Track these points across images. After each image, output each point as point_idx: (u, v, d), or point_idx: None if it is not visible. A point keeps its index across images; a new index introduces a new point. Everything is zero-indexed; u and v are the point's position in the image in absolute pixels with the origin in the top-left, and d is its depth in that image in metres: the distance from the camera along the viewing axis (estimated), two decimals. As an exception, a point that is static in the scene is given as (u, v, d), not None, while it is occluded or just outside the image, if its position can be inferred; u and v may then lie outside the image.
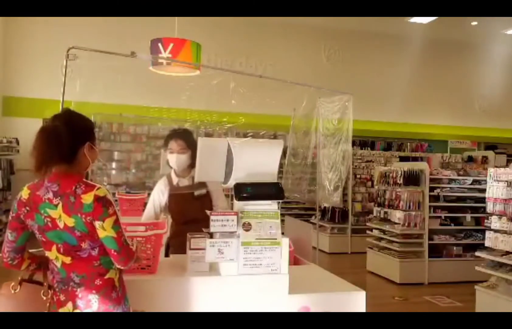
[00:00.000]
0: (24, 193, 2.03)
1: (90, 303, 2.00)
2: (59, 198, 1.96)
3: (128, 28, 9.76)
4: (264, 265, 2.40)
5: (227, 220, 2.36)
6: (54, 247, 2.00)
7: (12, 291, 2.04)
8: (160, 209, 3.47)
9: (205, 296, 2.39)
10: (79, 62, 4.70)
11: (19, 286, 2.06)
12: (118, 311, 2.04)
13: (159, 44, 6.70)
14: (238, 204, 2.41)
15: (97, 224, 1.96)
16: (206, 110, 7.26)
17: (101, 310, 2.00)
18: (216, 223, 2.35)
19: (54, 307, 2.03)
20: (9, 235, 2.05)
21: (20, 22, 10.56)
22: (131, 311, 2.13)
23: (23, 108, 10.80)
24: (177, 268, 2.59)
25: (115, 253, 2.01)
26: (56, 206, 1.96)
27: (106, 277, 2.04)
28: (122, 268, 2.07)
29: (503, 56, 13.89)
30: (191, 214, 3.20)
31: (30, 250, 2.15)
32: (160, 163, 7.28)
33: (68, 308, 2.00)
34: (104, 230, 1.97)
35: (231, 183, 2.51)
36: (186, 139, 3.44)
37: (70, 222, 1.95)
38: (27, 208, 2.00)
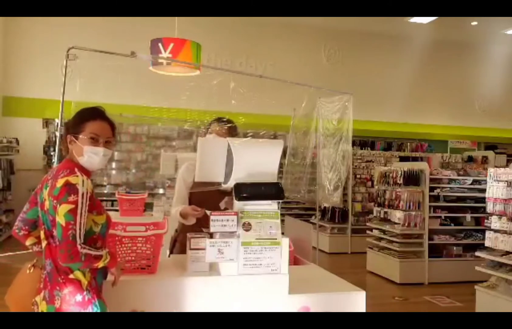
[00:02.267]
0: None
1: (54, 299, 2.00)
2: (50, 180, 2.08)
3: (128, 28, 9.77)
4: (264, 265, 2.39)
5: (227, 220, 2.36)
6: (43, 228, 2.09)
7: (28, 271, 2.16)
8: (189, 188, 3.34)
9: (205, 296, 2.38)
10: (79, 62, 4.71)
11: (33, 268, 2.17)
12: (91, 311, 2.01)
13: (159, 44, 6.70)
14: (238, 204, 2.41)
15: (57, 208, 1.96)
16: (206, 110, 7.26)
17: (62, 309, 1.98)
18: (216, 223, 2.35)
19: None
20: (24, 207, 2.21)
21: (20, 22, 10.57)
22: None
23: (23, 108, 10.81)
24: (177, 268, 2.59)
25: (58, 243, 1.95)
26: (47, 187, 2.07)
27: (70, 276, 2.00)
28: (61, 263, 1.95)
29: (503, 56, 13.89)
30: (212, 206, 3.01)
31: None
32: (160, 163, 7.30)
33: (40, 296, 2.04)
34: (57, 215, 1.95)
35: (231, 183, 2.51)
36: (230, 126, 3.38)
37: (47, 203, 2.04)
38: (40, 185, 2.16)
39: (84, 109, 2.21)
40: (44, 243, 2.08)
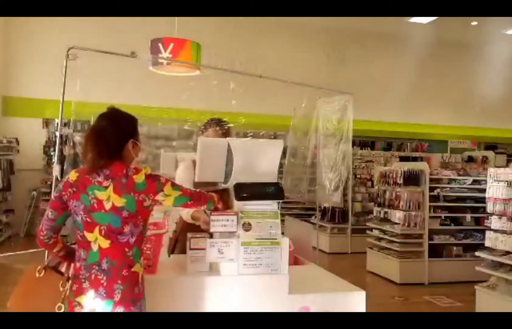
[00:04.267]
0: (72, 176, 2.15)
1: (114, 293, 2.04)
2: (110, 180, 2.09)
3: (128, 28, 9.76)
4: (264, 265, 2.39)
5: (227, 220, 2.36)
6: (97, 228, 2.08)
7: (37, 274, 2.16)
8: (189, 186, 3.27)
9: (205, 296, 2.38)
10: (79, 62, 4.71)
11: (44, 271, 2.17)
12: (135, 311, 2.06)
13: (160, 44, 6.71)
14: (238, 204, 2.41)
15: (160, 197, 2.14)
16: (206, 110, 7.25)
17: (122, 303, 2.03)
18: (216, 223, 2.35)
19: (71, 296, 2.07)
20: (49, 214, 2.15)
21: (20, 22, 10.56)
22: (145, 311, 2.14)
23: (23, 108, 10.81)
24: (177, 268, 2.59)
25: (192, 203, 2.28)
26: (106, 187, 2.08)
27: (133, 269, 2.09)
28: (211, 209, 2.33)
29: (503, 56, 13.88)
30: None
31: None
32: (160, 163, 7.29)
33: (88, 296, 2.04)
34: (169, 196, 2.16)
35: (231, 183, 2.51)
36: (225, 129, 3.37)
37: (120, 202, 2.07)
38: (74, 189, 2.11)
39: (131, 115, 2.37)
40: (98, 243, 2.07)
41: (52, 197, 2.22)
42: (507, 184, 5.71)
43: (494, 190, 5.88)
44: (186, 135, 10.48)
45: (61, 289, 2.12)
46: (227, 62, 11.08)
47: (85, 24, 9.33)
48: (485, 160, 11.90)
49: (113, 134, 2.18)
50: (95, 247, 2.08)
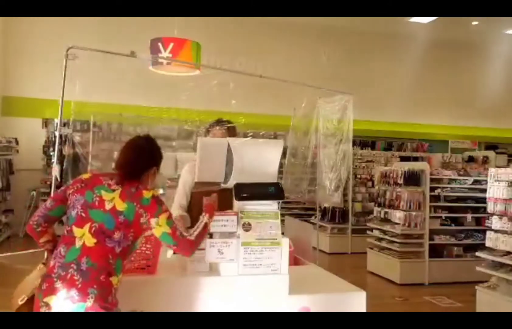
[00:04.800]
0: (85, 175, 2.28)
1: (87, 297, 1.99)
2: (120, 186, 2.18)
3: (128, 28, 9.76)
4: (264, 265, 2.39)
5: (227, 220, 2.35)
6: (87, 225, 2.10)
7: (20, 302, 2.16)
8: (190, 188, 3.42)
9: (205, 296, 2.38)
10: (79, 62, 4.70)
11: (43, 266, 2.23)
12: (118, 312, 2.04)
13: (159, 44, 6.70)
14: (238, 204, 2.41)
15: (153, 222, 2.15)
16: (206, 110, 7.26)
17: (94, 309, 1.98)
18: (216, 223, 2.35)
19: (39, 296, 2.02)
20: (48, 203, 2.24)
21: (20, 22, 10.56)
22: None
23: (22, 108, 10.80)
24: (177, 268, 2.58)
25: (174, 247, 2.22)
26: (114, 190, 2.16)
27: (111, 279, 2.07)
28: (187, 257, 2.29)
29: (503, 56, 13.88)
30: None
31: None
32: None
33: (59, 296, 1.99)
34: (160, 226, 2.15)
35: (231, 183, 2.51)
36: (229, 127, 3.42)
37: (122, 206, 2.13)
38: (82, 184, 2.20)
39: (160, 148, 2.45)
40: (83, 240, 2.07)
41: (57, 191, 2.30)
42: (508, 184, 5.71)
43: (495, 190, 5.87)
44: (186, 135, 10.49)
45: (38, 268, 2.20)
46: (227, 62, 11.10)
47: (85, 24, 9.32)
48: (485, 160, 11.89)
49: (146, 153, 2.35)
50: (78, 244, 2.07)
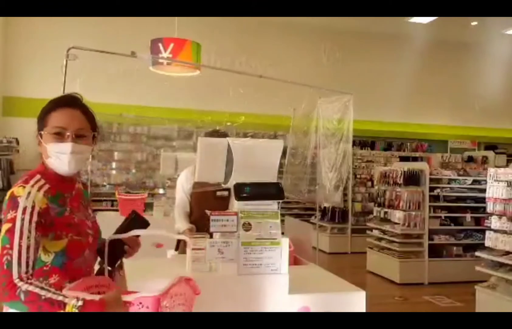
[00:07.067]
0: None
1: None
2: None
3: (128, 28, 9.76)
4: (264, 265, 2.39)
5: (227, 220, 2.36)
6: None
7: None
8: (189, 194, 3.48)
9: (205, 296, 2.38)
10: (79, 62, 4.70)
11: None
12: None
13: (160, 44, 6.70)
14: (238, 204, 2.41)
15: None
16: (206, 110, 7.26)
17: None
18: (216, 223, 2.35)
19: None
20: None
21: (20, 22, 10.56)
22: None
23: (23, 108, 10.78)
24: (177, 268, 2.58)
25: None
26: None
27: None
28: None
29: (503, 56, 13.88)
30: (212, 206, 3.15)
31: None
32: (160, 163, 7.31)
33: None
34: None
35: (231, 183, 2.51)
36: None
37: None
38: None
39: (50, 100, 1.78)
40: None
41: None
42: (507, 184, 5.71)
43: (494, 190, 5.88)
44: (186, 135, 10.51)
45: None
46: (227, 62, 11.11)
47: (85, 24, 9.33)
48: (485, 160, 11.90)
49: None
50: None
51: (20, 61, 10.93)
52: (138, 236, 1.99)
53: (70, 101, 1.77)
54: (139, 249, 2.07)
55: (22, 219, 1.56)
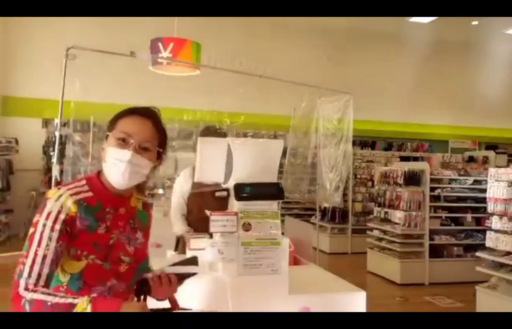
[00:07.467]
0: None
1: None
2: None
3: (128, 28, 9.76)
4: (264, 265, 2.39)
5: (227, 220, 2.35)
6: None
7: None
8: (187, 196, 3.49)
9: (205, 296, 2.38)
10: (79, 62, 4.70)
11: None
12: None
13: (159, 44, 6.71)
14: (238, 204, 2.41)
15: None
16: (206, 110, 7.25)
17: None
18: (216, 223, 2.34)
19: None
20: None
21: (20, 22, 10.56)
22: None
23: (22, 108, 10.80)
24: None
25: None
26: None
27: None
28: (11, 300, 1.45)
29: (503, 56, 13.88)
30: (211, 207, 3.16)
31: None
32: (160, 163, 7.30)
33: None
34: None
35: (231, 183, 2.50)
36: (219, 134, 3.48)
37: None
38: None
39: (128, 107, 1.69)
40: None
41: None
42: (508, 184, 5.71)
43: (495, 190, 5.87)
44: (185, 135, 10.50)
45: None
46: (227, 62, 11.11)
47: (85, 24, 9.32)
48: (485, 160, 11.90)
49: None
50: None
51: (19, 61, 10.94)
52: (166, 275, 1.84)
53: (143, 111, 1.66)
54: (169, 292, 1.88)
55: (44, 225, 1.44)
